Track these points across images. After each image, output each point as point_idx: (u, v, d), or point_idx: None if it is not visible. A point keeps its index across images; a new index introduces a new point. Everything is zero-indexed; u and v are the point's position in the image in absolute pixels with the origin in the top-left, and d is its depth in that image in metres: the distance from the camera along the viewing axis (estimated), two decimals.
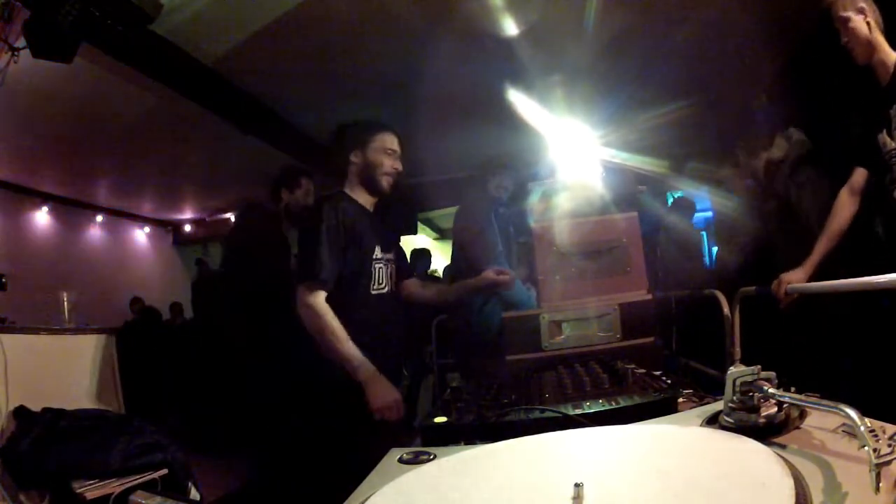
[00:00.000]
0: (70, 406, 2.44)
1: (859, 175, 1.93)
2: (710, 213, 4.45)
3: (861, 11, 1.77)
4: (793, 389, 0.61)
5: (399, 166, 1.83)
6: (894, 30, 1.81)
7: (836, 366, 2.18)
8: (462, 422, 0.91)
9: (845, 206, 1.92)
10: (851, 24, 1.76)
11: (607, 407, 0.86)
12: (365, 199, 1.84)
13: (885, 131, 1.79)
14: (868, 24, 1.76)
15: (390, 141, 1.83)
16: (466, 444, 0.85)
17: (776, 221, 2.52)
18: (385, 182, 1.82)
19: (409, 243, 6.51)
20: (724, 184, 2.95)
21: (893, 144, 1.77)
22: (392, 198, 1.90)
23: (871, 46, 1.76)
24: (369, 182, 1.82)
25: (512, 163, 2.77)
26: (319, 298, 1.63)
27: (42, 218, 6.91)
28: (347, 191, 1.83)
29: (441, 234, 8.81)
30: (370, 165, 1.80)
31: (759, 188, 2.67)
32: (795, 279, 1.93)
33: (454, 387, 1.24)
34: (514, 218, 2.68)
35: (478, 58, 3.40)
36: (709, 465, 0.54)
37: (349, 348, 1.60)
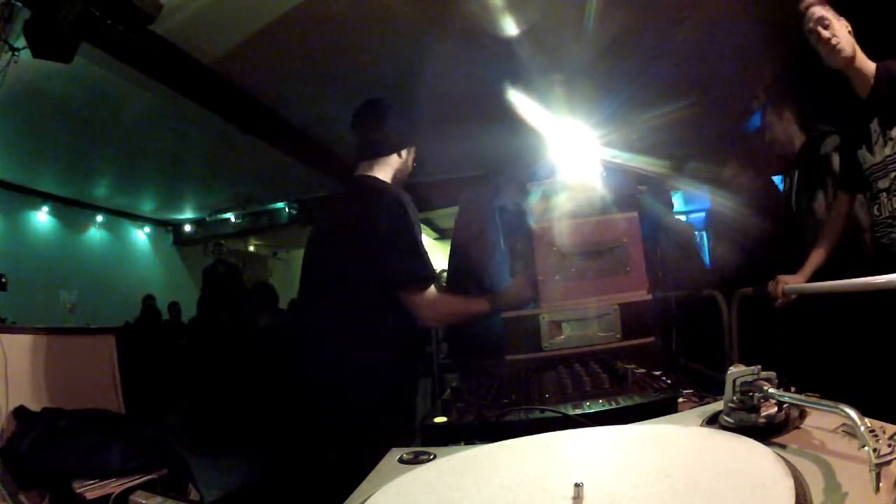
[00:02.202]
0: (70, 406, 2.44)
1: (843, 197, 1.92)
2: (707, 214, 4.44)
3: (838, 16, 1.70)
4: (793, 389, 0.62)
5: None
6: (874, 42, 1.75)
7: (836, 366, 2.18)
8: (462, 422, 0.91)
9: (836, 222, 1.93)
10: (833, 26, 1.68)
11: (607, 407, 0.86)
12: None
13: (864, 147, 1.75)
14: (849, 30, 1.70)
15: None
16: (466, 444, 0.85)
17: (780, 219, 2.51)
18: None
19: None
20: (725, 183, 2.95)
21: (874, 160, 1.72)
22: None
23: (847, 54, 1.69)
24: (398, 184, 1.76)
25: (517, 175, 2.74)
26: (434, 295, 1.59)
27: (42, 218, 6.91)
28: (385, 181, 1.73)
29: (441, 235, 8.81)
30: (407, 170, 1.79)
31: (763, 185, 2.66)
32: (793, 283, 1.94)
33: (454, 387, 1.24)
34: (510, 219, 2.67)
35: (478, 58, 3.40)
36: (709, 465, 0.54)
37: (490, 302, 1.67)
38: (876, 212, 1.74)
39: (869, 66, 1.70)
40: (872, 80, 1.69)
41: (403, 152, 1.75)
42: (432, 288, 1.58)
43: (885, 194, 1.70)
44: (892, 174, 1.67)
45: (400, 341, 1.63)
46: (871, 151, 1.73)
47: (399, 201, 1.57)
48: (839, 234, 1.91)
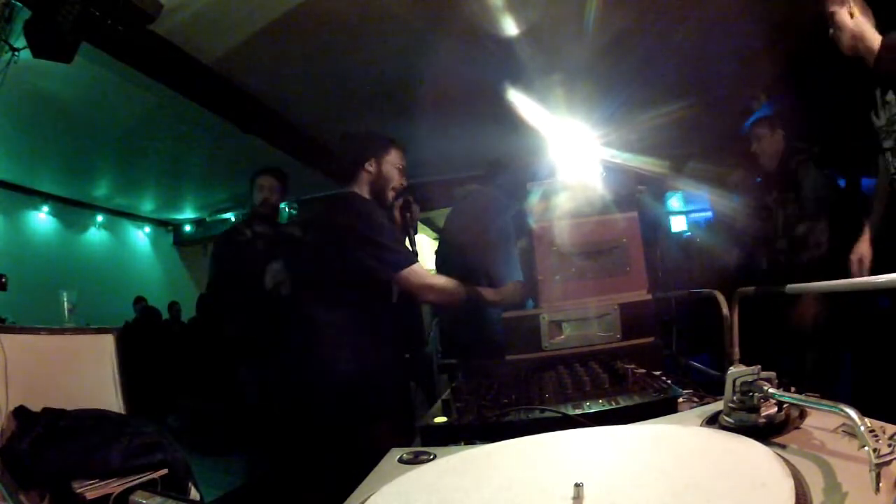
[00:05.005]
0: (70, 406, 2.43)
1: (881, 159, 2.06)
2: (709, 213, 4.44)
3: (843, 2, 1.89)
4: (793, 389, 0.62)
5: (405, 182, 1.96)
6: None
7: (836, 366, 2.18)
8: (462, 422, 0.91)
9: (882, 184, 2.05)
10: (837, 17, 1.90)
11: (607, 407, 0.86)
12: None
13: (872, 112, 1.93)
14: (851, 13, 1.88)
15: (401, 158, 1.95)
16: (466, 444, 0.85)
17: (780, 216, 2.54)
18: (391, 196, 1.94)
19: None
20: (726, 183, 2.96)
21: (879, 123, 1.91)
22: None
23: (854, 37, 1.88)
24: (379, 193, 1.91)
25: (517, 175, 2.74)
26: (421, 268, 1.78)
27: (42, 218, 6.91)
28: (360, 194, 1.91)
29: (440, 234, 8.81)
30: (383, 178, 1.91)
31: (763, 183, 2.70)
32: (863, 249, 2.01)
33: (454, 387, 1.24)
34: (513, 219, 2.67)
35: (478, 58, 3.40)
36: (709, 465, 0.54)
37: (491, 294, 1.97)
38: (892, 168, 1.93)
39: (875, 41, 1.88)
40: (877, 53, 1.87)
41: (369, 165, 1.90)
42: (417, 264, 1.77)
43: (889, 153, 1.91)
44: (894, 135, 1.87)
45: (393, 339, 1.79)
46: (877, 115, 1.93)
47: (361, 209, 1.80)
48: (887, 195, 2.04)
